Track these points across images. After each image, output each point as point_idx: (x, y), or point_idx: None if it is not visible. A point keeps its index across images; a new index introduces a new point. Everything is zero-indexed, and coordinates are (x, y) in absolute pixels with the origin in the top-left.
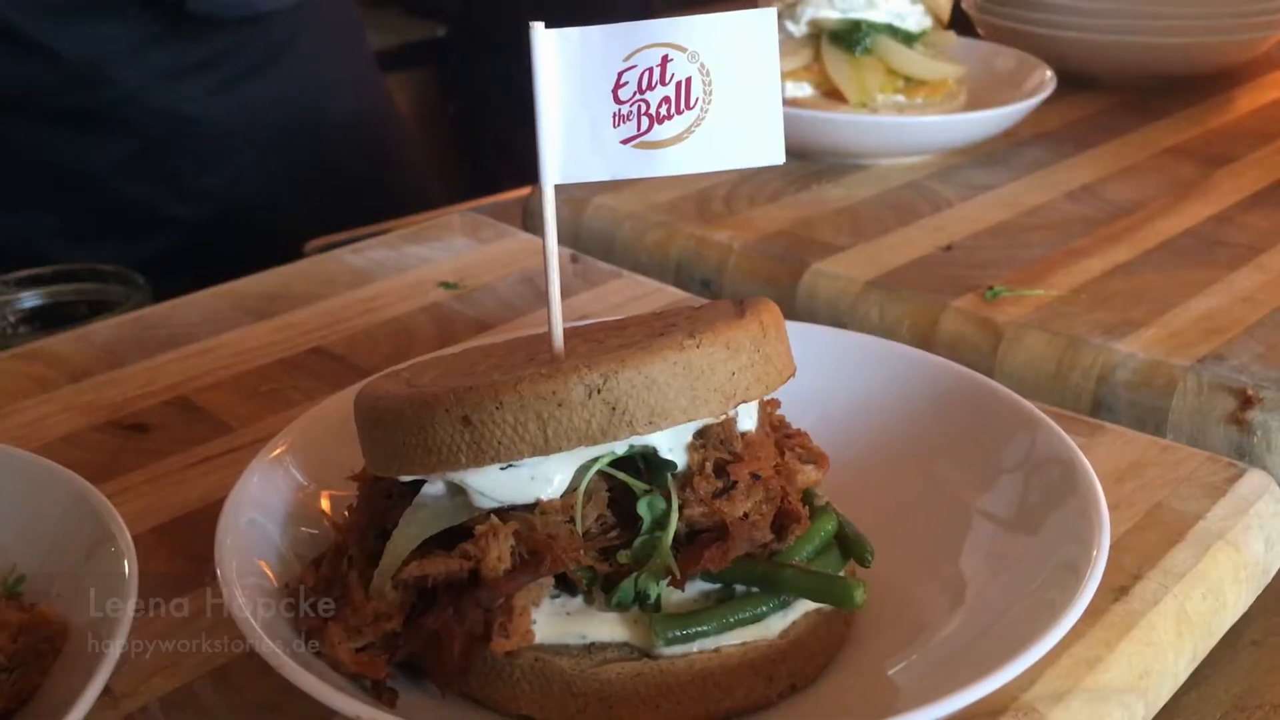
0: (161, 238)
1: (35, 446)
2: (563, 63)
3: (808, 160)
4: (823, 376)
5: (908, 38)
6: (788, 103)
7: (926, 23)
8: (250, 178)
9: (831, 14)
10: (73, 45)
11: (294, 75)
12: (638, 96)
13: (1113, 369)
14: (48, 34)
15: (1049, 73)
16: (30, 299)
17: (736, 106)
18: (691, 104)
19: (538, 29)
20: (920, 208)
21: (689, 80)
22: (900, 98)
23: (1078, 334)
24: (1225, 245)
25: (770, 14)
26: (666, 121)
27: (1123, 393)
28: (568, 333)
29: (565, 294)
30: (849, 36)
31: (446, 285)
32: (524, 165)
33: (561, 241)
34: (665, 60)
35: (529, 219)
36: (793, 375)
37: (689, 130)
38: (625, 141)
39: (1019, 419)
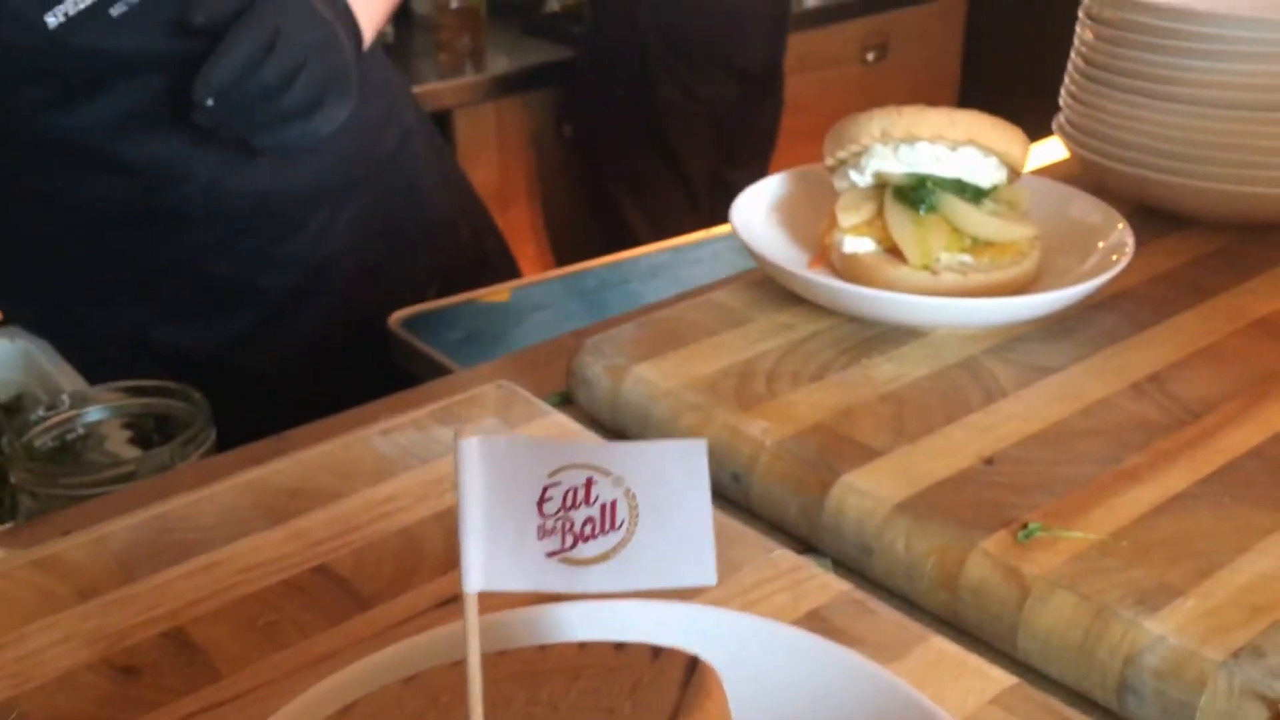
0: (256, 309)
1: (31, 689)
2: (489, 470)
3: (864, 323)
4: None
5: (977, 193)
6: (847, 260)
7: (1000, 176)
8: (328, 237)
9: (896, 168)
10: (141, 154)
11: (347, 129)
12: (562, 513)
13: (1141, 652)
14: (118, 148)
15: (1129, 240)
16: (95, 413)
17: (664, 531)
18: (616, 526)
19: (464, 440)
20: (971, 397)
21: (614, 503)
22: (966, 258)
23: (1108, 601)
24: None
25: (700, 445)
26: (591, 540)
27: (1150, 680)
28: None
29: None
30: (914, 193)
31: None
32: (642, 187)
33: (598, 412)
34: (590, 482)
35: (577, 384)
36: None
37: (614, 551)
38: (550, 555)
39: None
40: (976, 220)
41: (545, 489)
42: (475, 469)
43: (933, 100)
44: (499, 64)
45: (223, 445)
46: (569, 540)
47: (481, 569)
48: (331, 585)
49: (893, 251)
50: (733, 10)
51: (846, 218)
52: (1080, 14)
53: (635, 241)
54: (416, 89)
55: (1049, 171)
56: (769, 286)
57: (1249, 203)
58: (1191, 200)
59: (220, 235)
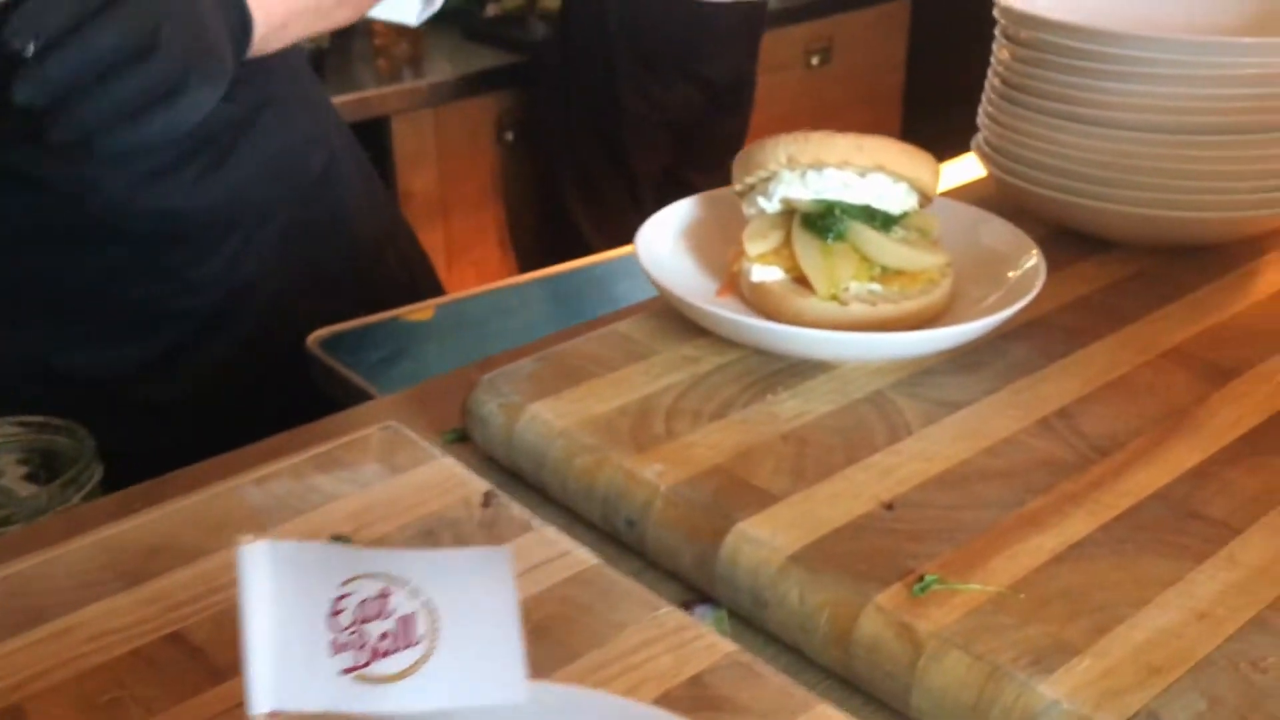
0: (173, 332)
1: None
2: (278, 578)
3: (771, 355)
4: None
5: (887, 220)
6: (755, 289)
7: (910, 202)
8: (245, 260)
9: (804, 194)
10: (60, 171)
11: (265, 148)
12: (357, 626)
13: (1034, 716)
14: (19, 161)
15: (1041, 269)
16: None
17: (468, 645)
18: (415, 641)
19: (245, 547)
20: (875, 435)
21: (412, 616)
22: (875, 286)
23: (1002, 662)
24: (1200, 518)
25: (502, 554)
26: (390, 656)
27: None
28: None
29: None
30: (821, 221)
31: (338, 538)
32: (591, 192)
33: (493, 452)
34: (385, 592)
35: (473, 423)
36: None
37: (414, 667)
38: (345, 672)
39: None
40: (885, 248)
41: (338, 599)
42: (262, 577)
43: (878, 103)
44: (438, 70)
45: (125, 483)
46: (366, 656)
47: (271, 687)
48: (183, 656)
49: (801, 280)
50: (701, 22)
51: (754, 246)
52: (996, 33)
53: (585, 245)
54: (354, 96)
55: (969, 190)
56: (675, 316)
57: (1167, 226)
58: (1109, 223)
59: (131, 256)
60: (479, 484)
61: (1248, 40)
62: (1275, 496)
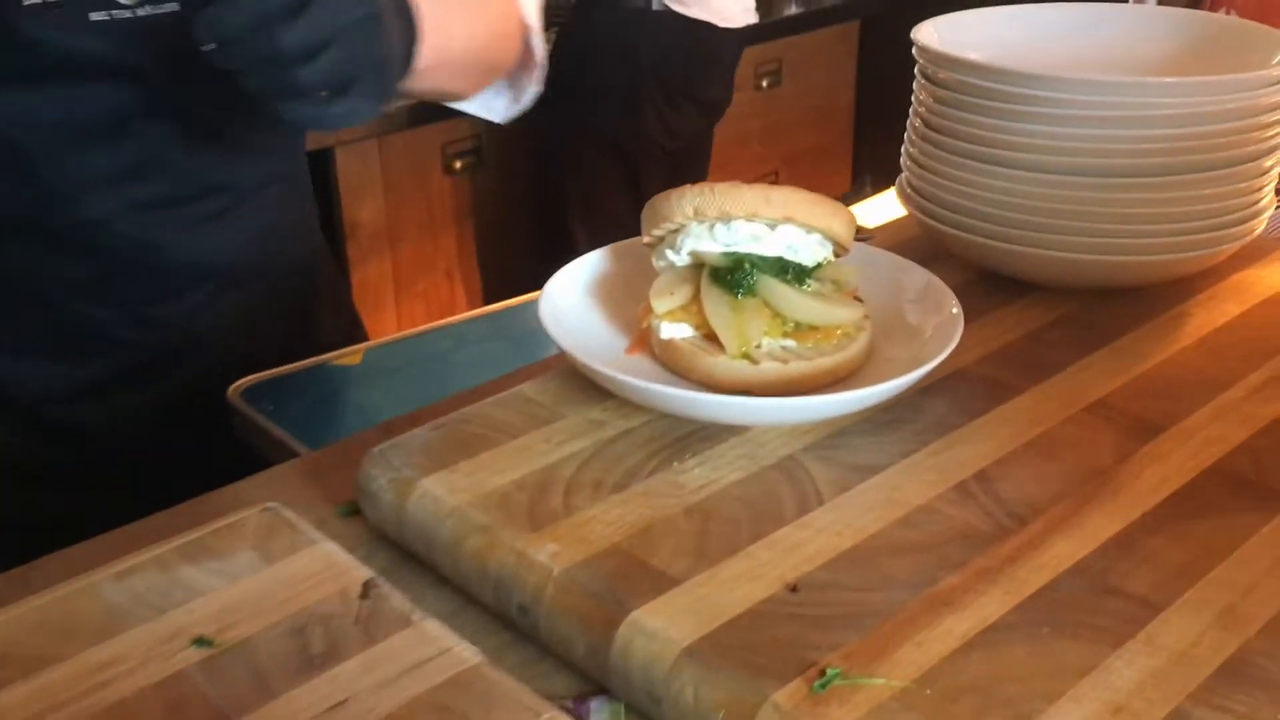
0: (114, 360)
1: None
2: None
3: (680, 418)
4: None
5: (801, 272)
6: (664, 348)
7: (824, 253)
8: (205, 312)
9: (713, 247)
10: (59, 169)
11: (256, 221)
12: None
13: None
14: (41, 155)
15: (959, 324)
16: None
17: None
18: None
19: None
20: (784, 505)
21: None
22: (789, 343)
23: None
24: (1119, 594)
25: None
26: None
27: None
28: None
29: (331, 656)
30: (731, 275)
31: (200, 642)
32: (595, 209)
33: (386, 530)
34: None
35: (364, 498)
36: None
37: None
38: None
39: None
40: (798, 303)
41: None
42: None
43: (828, 125)
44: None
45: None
46: None
47: None
48: None
49: (711, 338)
50: (708, 50)
51: (660, 302)
52: (916, 73)
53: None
54: None
55: (897, 227)
56: (582, 377)
57: (1089, 270)
58: (1031, 267)
59: (97, 277)
60: (360, 572)
61: (1167, 80)
62: (1197, 569)
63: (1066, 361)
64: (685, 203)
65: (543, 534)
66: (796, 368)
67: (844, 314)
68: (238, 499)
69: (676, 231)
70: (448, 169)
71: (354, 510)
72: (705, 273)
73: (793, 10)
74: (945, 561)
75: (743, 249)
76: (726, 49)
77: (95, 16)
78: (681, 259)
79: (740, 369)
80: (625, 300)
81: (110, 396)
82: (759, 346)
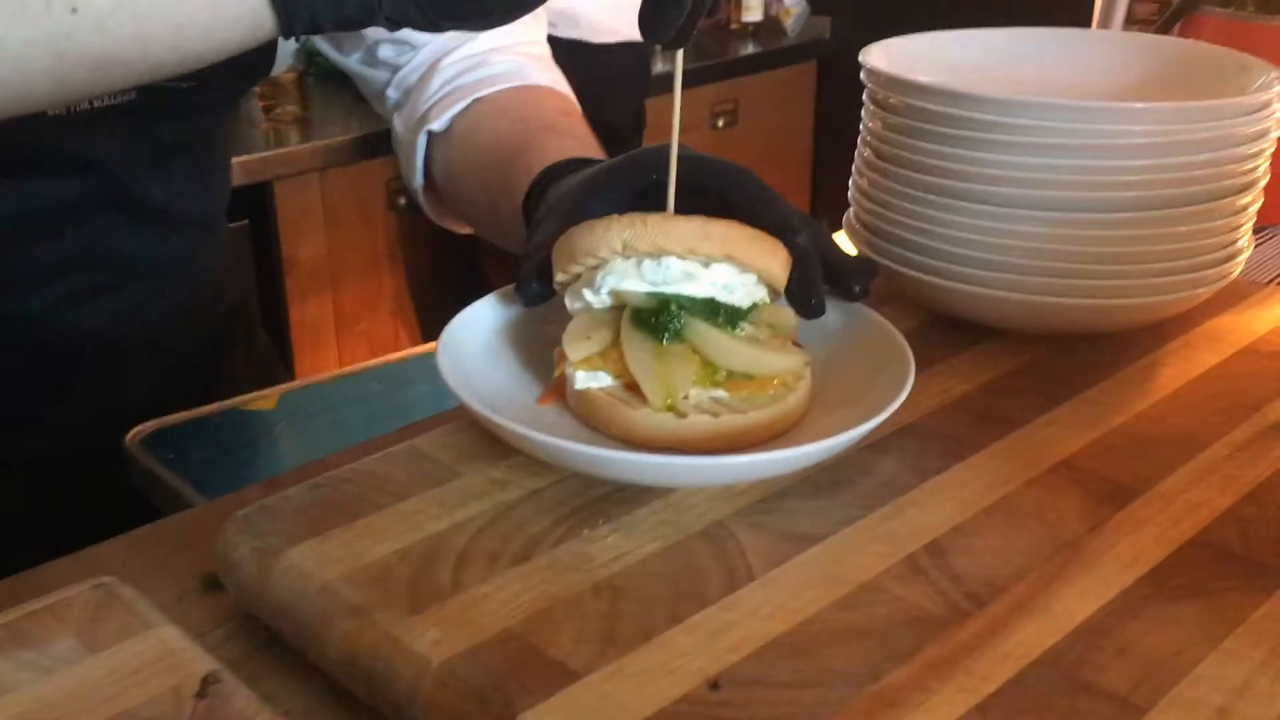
0: (24, 435)
1: None
2: None
3: (595, 478)
4: None
5: (733, 315)
6: (580, 399)
7: (760, 294)
8: (129, 384)
9: (639, 286)
10: (4, 262)
11: (181, 292)
12: None
13: None
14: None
15: (910, 373)
16: None
17: None
18: None
19: None
20: (708, 582)
21: None
22: (721, 393)
23: None
24: (1094, 693)
25: None
26: None
27: None
28: None
29: None
30: (655, 318)
31: None
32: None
33: (249, 605)
34: None
35: (225, 570)
36: None
37: None
38: None
39: None
40: (732, 350)
41: None
42: None
43: (786, 165)
44: (325, 132)
45: None
46: None
47: None
48: None
49: (633, 388)
50: (602, 73)
51: (576, 348)
52: (865, 99)
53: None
54: (238, 159)
55: None
56: (483, 431)
57: (1053, 314)
58: (989, 310)
59: (26, 363)
60: (202, 663)
61: (1138, 105)
62: (1183, 662)
63: (1028, 416)
64: (612, 236)
65: (425, 616)
66: (729, 421)
67: (782, 362)
68: (85, 569)
69: (596, 269)
70: (392, 204)
71: (218, 582)
72: (626, 315)
73: (749, 50)
74: (893, 651)
75: (673, 288)
76: (614, 66)
77: (54, 111)
78: (601, 299)
79: (665, 423)
80: (536, 346)
81: (51, 472)
82: (686, 398)
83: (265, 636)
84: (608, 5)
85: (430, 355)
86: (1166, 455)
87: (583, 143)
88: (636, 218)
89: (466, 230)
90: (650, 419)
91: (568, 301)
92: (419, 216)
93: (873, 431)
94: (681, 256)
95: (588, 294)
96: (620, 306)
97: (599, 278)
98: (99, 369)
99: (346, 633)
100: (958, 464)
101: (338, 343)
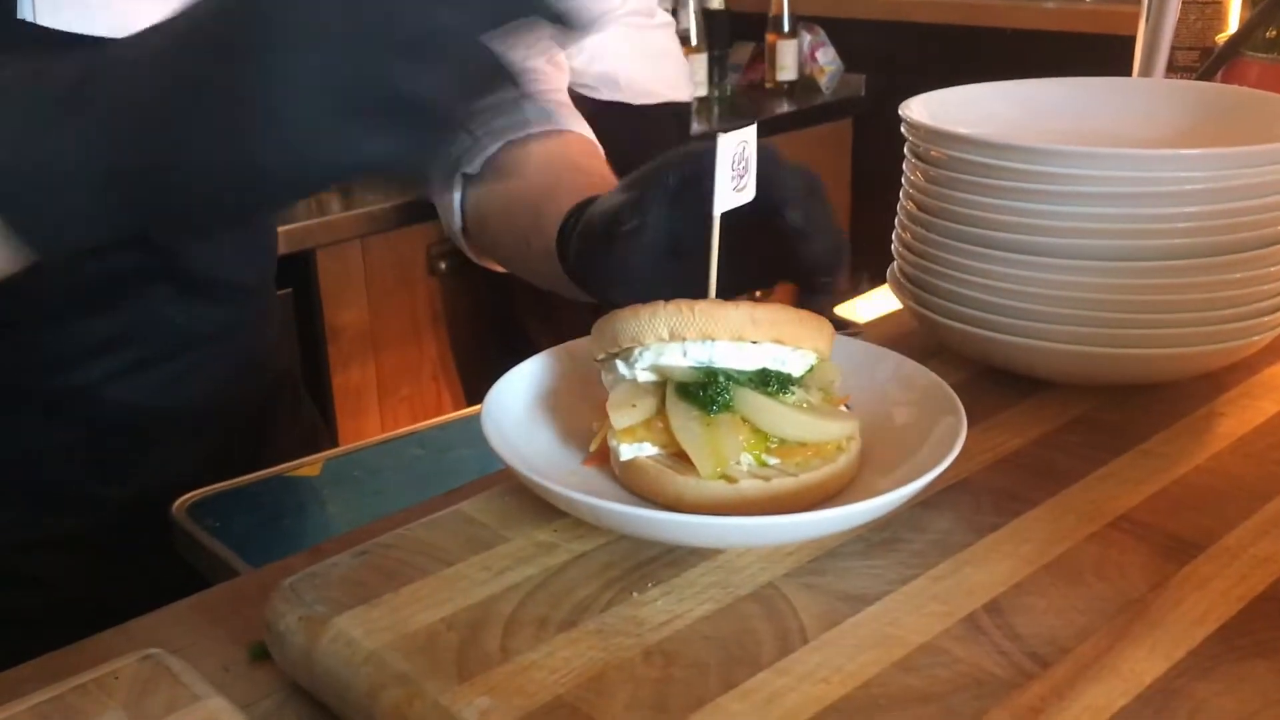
0: (73, 517)
1: None
2: None
3: (643, 540)
4: None
5: (783, 381)
6: (626, 468)
7: (810, 360)
8: (176, 455)
9: (680, 362)
10: (53, 340)
11: (237, 359)
12: None
13: None
14: (39, 328)
15: (961, 422)
16: None
17: None
18: None
19: None
20: (761, 645)
21: None
22: (772, 459)
23: None
24: None
25: None
26: None
27: None
28: None
29: None
30: (703, 390)
31: None
32: (552, 314)
33: (296, 674)
34: None
35: (272, 639)
36: None
37: None
38: None
39: None
40: (784, 419)
41: None
42: None
43: None
44: (366, 200)
45: None
46: None
47: None
48: None
49: (680, 455)
50: (644, 134)
51: (621, 416)
52: (906, 153)
53: None
54: (281, 229)
55: (888, 322)
56: (529, 494)
57: (1106, 365)
58: (1040, 362)
59: (81, 439)
60: None
61: (1189, 152)
62: None
63: (1084, 469)
64: (658, 323)
65: (474, 684)
66: (780, 485)
67: (835, 428)
68: (131, 641)
69: (630, 348)
70: (432, 270)
71: (266, 652)
72: (670, 388)
73: (785, 108)
74: (954, 716)
75: (721, 364)
76: (655, 126)
77: None
78: (641, 374)
79: (715, 489)
80: (580, 406)
81: (63, 542)
82: (738, 463)
83: (313, 707)
84: (646, 69)
85: (472, 418)
86: (1229, 508)
87: (609, 184)
88: (683, 305)
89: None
90: (700, 485)
91: (604, 376)
92: (460, 281)
93: (926, 488)
94: (731, 340)
95: (621, 368)
96: (662, 379)
97: (635, 354)
98: (147, 441)
99: (395, 702)
100: (1014, 520)
101: (380, 409)
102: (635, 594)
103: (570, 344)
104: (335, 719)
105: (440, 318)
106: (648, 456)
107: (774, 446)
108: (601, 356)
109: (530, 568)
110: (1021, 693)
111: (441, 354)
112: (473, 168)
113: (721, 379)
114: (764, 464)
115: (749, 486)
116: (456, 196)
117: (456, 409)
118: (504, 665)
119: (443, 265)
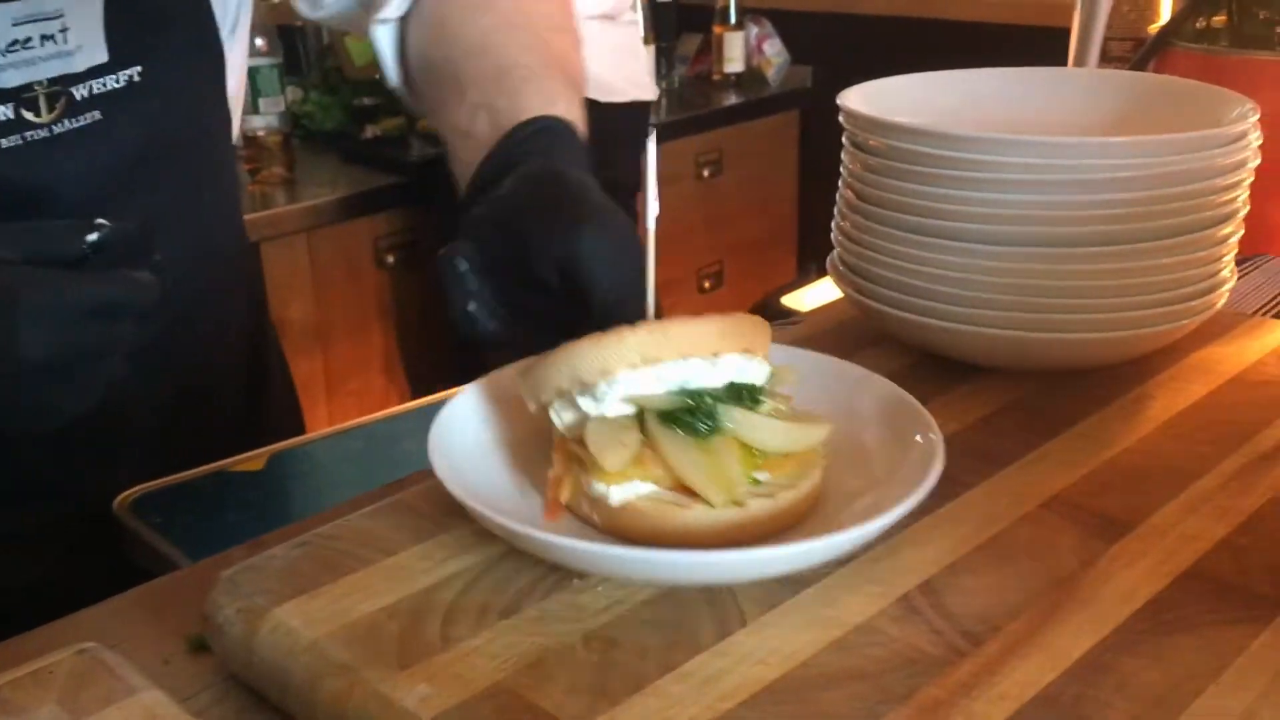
0: (50, 506)
1: None
2: None
3: None
4: None
5: (754, 393)
6: (619, 516)
7: (766, 370)
8: (126, 452)
9: (655, 389)
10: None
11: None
12: None
13: None
14: None
15: (936, 440)
16: None
17: None
18: None
19: None
20: (701, 629)
21: None
22: (764, 475)
23: None
24: None
25: None
26: None
27: None
28: None
29: None
30: (690, 415)
31: None
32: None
33: (236, 667)
34: None
35: (211, 631)
36: None
37: None
38: None
39: None
40: (771, 431)
41: None
42: None
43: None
44: (312, 193)
45: None
46: None
47: None
48: None
49: (678, 488)
50: (608, 132)
51: (612, 459)
52: (844, 142)
53: (482, 366)
54: None
55: (828, 312)
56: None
57: (1038, 350)
58: (975, 348)
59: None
60: None
61: (1118, 140)
62: (1182, 695)
63: (1019, 452)
64: (627, 350)
65: (414, 672)
66: (786, 498)
67: (816, 431)
68: (69, 635)
69: (593, 382)
70: (379, 263)
71: (205, 644)
72: (651, 419)
73: (732, 100)
74: (889, 694)
75: (696, 384)
76: (617, 125)
77: (7, 143)
78: (615, 408)
79: (726, 516)
80: (532, 438)
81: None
82: (746, 491)
83: (253, 698)
84: (612, 66)
85: (419, 411)
86: (1158, 488)
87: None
88: (655, 328)
89: None
90: (709, 515)
91: (557, 418)
92: (408, 274)
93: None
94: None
95: (587, 405)
96: (640, 413)
97: (600, 388)
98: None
99: (335, 691)
100: (950, 502)
101: (329, 403)
102: (576, 580)
103: (517, 364)
104: (274, 710)
105: (388, 311)
106: (642, 497)
107: (761, 461)
108: (546, 398)
109: (471, 556)
110: (954, 670)
111: (389, 347)
112: (393, 9)
113: (709, 400)
114: (755, 481)
115: (757, 507)
116: (384, 45)
117: (404, 402)
118: (444, 653)
119: (390, 258)
